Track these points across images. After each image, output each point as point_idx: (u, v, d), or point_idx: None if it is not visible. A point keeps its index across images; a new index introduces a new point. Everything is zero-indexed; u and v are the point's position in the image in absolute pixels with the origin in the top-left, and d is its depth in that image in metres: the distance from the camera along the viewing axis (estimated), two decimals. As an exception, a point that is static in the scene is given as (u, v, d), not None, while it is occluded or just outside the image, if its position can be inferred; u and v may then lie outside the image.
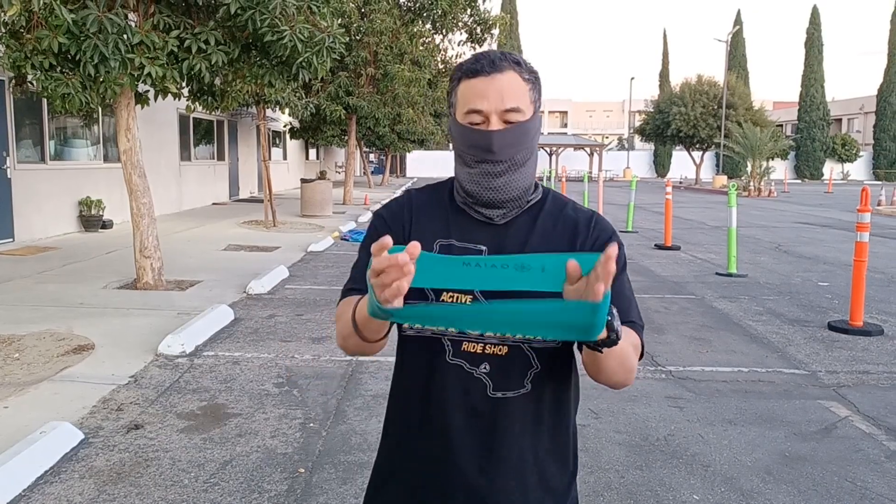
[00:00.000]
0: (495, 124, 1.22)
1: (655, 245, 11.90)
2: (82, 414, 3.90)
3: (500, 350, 1.26)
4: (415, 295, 1.19)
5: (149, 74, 6.09)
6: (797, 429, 3.96)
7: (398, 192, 28.55)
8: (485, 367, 1.26)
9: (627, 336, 1.18)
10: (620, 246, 1.15)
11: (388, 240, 0.97)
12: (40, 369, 4.60)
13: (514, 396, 1.27)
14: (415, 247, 0.97)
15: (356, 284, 1.30)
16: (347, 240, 12.09)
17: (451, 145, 1.33)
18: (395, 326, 1.23)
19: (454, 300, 1.25)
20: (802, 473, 3.39)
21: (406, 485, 1.35)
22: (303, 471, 3.32)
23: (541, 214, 1.31)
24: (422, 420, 1.32)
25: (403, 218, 1.33)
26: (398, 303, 0.99)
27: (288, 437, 3.71)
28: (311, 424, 3.88)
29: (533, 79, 1.26)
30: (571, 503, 1.39)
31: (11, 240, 10.11)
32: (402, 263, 0.95)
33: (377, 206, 1.26)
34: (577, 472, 1.39)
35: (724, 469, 3.43)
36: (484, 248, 1.28)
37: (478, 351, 1.26)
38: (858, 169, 50.84)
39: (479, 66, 1.23)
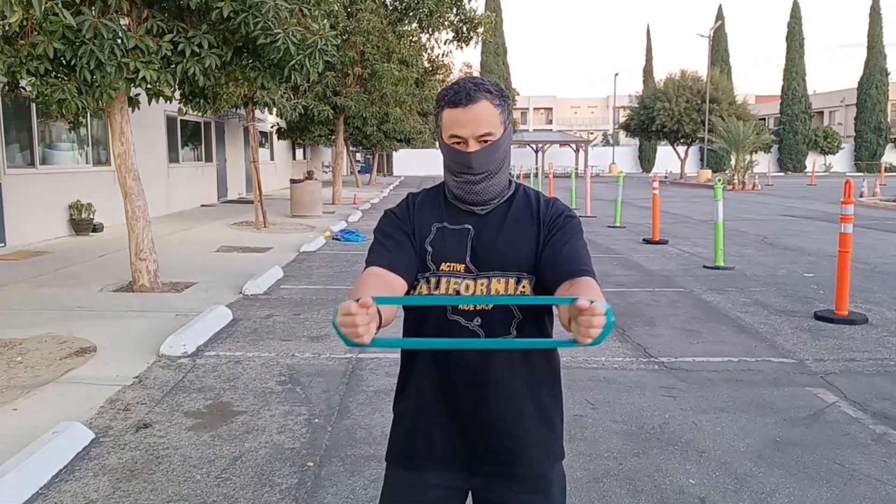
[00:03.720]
0: (472, 146, 1.55)
1: (644, 240, 12.07)
2: (91, 414, 3.97)
3: (487, 307, 1.58)
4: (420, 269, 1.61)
5: (143, 78, 6.14)
6: (787, 415, 4.10)
7: (386, 192, 28.20)
8: (477, 321, 1.59)
9: (594, 288, 1.45)
10: (574, 217, 1.65)
11: (368, 300, 1.21)
12: (44, 372, 4.66)
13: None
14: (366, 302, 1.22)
15: (377, 259, 1.59)
16: (339, 239, 12.15)
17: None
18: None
19: (451, 269, 1.60)
20: (793, 457, 3.53)
21: (419, 416, 1.65)
22: (311, 464, 3.41)
23: (513, 204, 1.66)
24: (428, 368, 1.62)
25: (409, 214, 1.67)
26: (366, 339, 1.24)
27: (294, 432, 3.80)
28: (317, 420, 3.97)
29: (502, 102, 1.58)
30: (559, 472, 1.70)
31: (3, 245, 10.10)
32: (359, 325, 1.21)
33: (387, 206, 1.62)
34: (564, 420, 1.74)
35: (718, 454, 3.56)
36: (469, 226, 1.62)
37: (470, 308, 1.58)
38: (840, 161, 51.44)
39: (458, 99, 1.53)
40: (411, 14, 16.04)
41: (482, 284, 1.58)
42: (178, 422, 3.93)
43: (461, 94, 1.53)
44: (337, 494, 3.12)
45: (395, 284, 1.52)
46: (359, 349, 5.29)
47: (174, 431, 3.79)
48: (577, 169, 31.78)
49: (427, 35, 17.96)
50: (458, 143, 1.55)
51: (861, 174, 39.53)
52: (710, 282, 8.19)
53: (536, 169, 31.61)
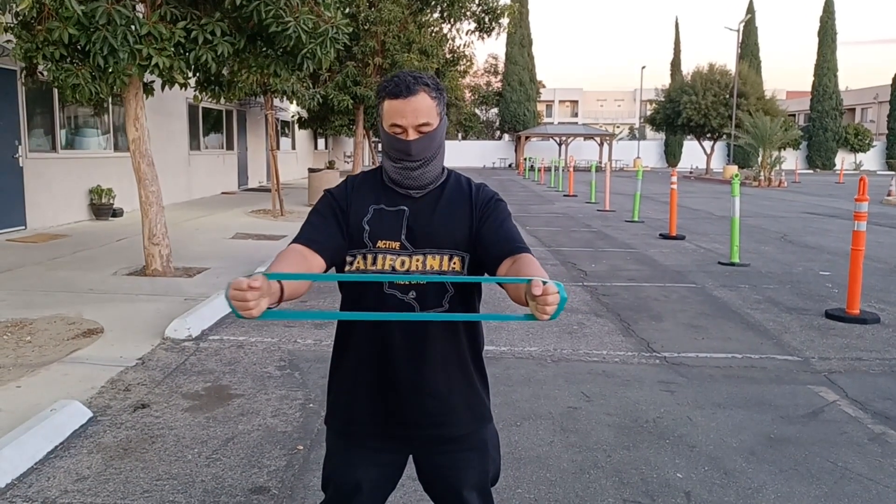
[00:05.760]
0: (412, 135, 1.65)
1: (660, 234, 11.96)
2: (91, 393, 4.05)
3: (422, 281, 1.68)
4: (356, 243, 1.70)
5: (156, 65, 6.21)
6: (784, 412, 4.05)
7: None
8: (412, 294, 1.69)
9: (534, 264, 1.56)
10: (502, 201, 1.79)
11: (255, 282, 1.28)
12: (51, 351, 4.76)
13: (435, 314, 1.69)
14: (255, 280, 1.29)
15: (301, 237, 1.69)
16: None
17: (380, 145, 1.75)
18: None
19: (387, 246, 1.68)
20: (785, 454, 3.49)
21: (358, 382, 1.75)
22: (301, 448, 3.45)
23: (446, 188, 1.77)
24: (368, 336, 1.71)
25: (347, 195, 1.76)
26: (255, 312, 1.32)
27: (288, 416, 3.84)
28: (311, 405, 4.01)
29: (439, 95, 1.68)
30: (492, 432, 1.86)
31: (23, 227, 10.31)
32: (249, 300, 1.28)
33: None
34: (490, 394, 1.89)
35: (710, 450, 3.53)
36: (405, 208, 1.72)
37: (406, 283, 1.68)
38: (871, 159, 50.44)
39: (399, 91, 1.63)
40: (433, 4, 16.00)
41: (418, 260, 1.69)
42: (175, 403, 3.99)
43: (401, 86, 1.63)
44: (323, 478, 3.16)
45: (313, 261, 1.63)
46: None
47: (170, 412, 3.85)
48: (599, 163, 31.54)
49: (449, 25, 17.90)
50: (399, 131, 1.66)
51: (892, 173, 38.70)
52: (723, 278, 8.10)
53: (558, 162, 31.40)
